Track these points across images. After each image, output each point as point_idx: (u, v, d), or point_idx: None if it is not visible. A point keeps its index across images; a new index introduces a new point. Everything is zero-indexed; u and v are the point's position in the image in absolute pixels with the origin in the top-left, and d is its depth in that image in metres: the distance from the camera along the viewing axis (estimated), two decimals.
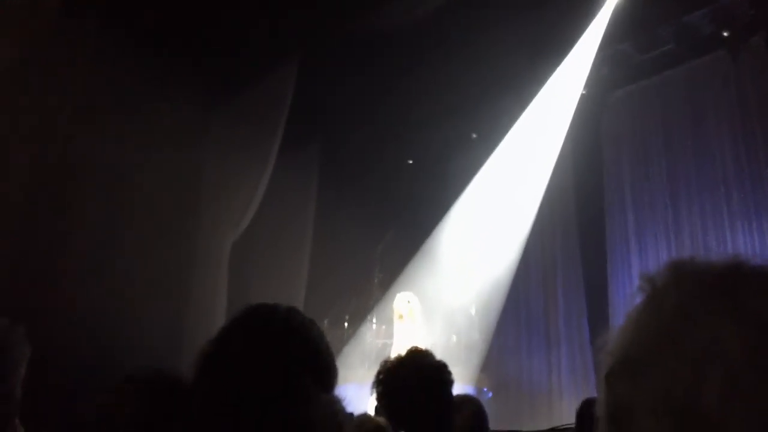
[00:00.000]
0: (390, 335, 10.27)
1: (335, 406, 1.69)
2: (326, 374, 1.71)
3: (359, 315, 12.04)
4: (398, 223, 12.98)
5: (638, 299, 0.94)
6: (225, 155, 11.23)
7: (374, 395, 3.06)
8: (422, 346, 3.49)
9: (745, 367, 0.80)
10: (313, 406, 1.59)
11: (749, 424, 0.79)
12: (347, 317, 12.12)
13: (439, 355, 3.20)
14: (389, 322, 10.36)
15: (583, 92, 12.04)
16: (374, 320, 11.54)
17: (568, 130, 12.20)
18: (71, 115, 9.18)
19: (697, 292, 0.88)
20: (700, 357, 0.83)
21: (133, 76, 9.66)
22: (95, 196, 9.44)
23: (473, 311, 12.27)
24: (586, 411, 4.48)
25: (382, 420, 3.47)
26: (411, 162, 14.29)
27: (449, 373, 3.08)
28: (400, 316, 9.59)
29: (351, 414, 3.76)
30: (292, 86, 10.81)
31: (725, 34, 10.90)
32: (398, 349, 8.73)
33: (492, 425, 4.62)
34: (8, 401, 2.68)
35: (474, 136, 13.64)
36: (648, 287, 0.94)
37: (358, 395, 8.01)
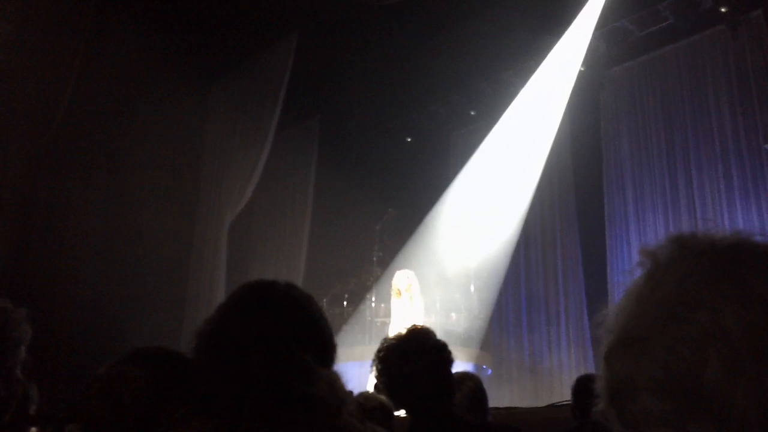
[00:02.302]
0: (389, 313, 10.30)
1: (336, 382, 1.69)
2: (326, 349, 1.71)
3: (358, 293, 12.05)
4: (397, 201, 12.97)
5: (638, 274, 0.93)
6: (223, 134, 11.23)
7: (374, 373, 3.06)
8: (420, 323, 3.50)
9: (747, 347, 0.80)
10: (314, 383, 1.59)
11: (751, 404, 0.79)
12: (346, 296, 12.13)
13: (438, 333, 3.20)
14: (388, 301, 10.38)
15: (582, 69, 12.00)
16: (373, 298, 11.55)
17: (567, 107, 12.18)
18: (69, 97, 9.17)
19: (699, 270, 0.87)
20: (701, 336, 0.82)
21: (131, 57, 9.64)
22: (95, 178, 9.45)
23: (472, 289, 12.28)
24: (580, 389, 4.50)
25: (384, 398, 3.48)
26: (410, 140, 14.27)
27: (449, 352, 3.08)
28: (398, 293, 9.62)
29: (351, 392, 3.77)
30: (290, 64, 10.78)
31: (724, 9, 10.85)
32: (396, 326, 8.77)
33: (492, 402, 4.64)
34: (7, 382, 2.67)
35: (473, 113, 13.61)
36: (649, 262, 0.93)
37: (359, 373, 8.05)
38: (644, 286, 0.91)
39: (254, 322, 1.63)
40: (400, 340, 3.04)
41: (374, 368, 3.03)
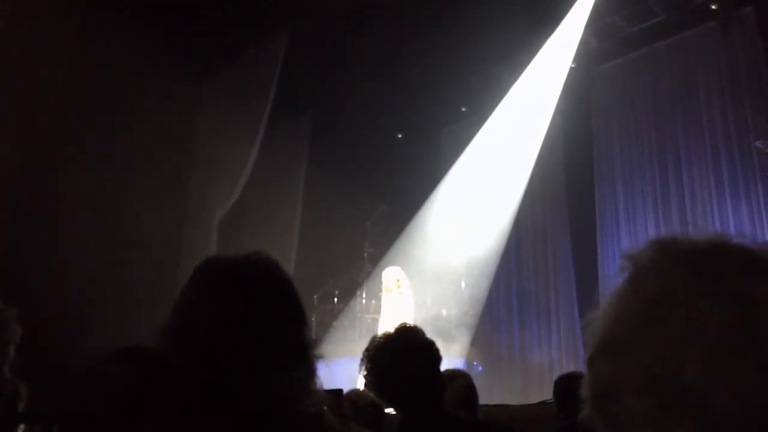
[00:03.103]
0: (379, 310, 10.31)
1: (308, 382, 1.64)
2: (295, 324, 1.63)
3: (349, 290, 12.04)
4: (388, 197, 12.97)
5: (620, 278, 0.94)
6: (214, 130, 11.20)
7: (363, 372, 3.06)
8: (410, 320, 3.50)
9: (725, 346, 0.81)
10: (289, 386, 1.55)
11: (731, 402, 0.79)
12: (337, 292, 12.11)
13: (428, 330, 3.20)
14: (379, 297, 10.38)
15: (573, 65, 12.01)
16: (364, 295, 11.54)
17: (558, 103, 12.20)
18: (60, 93, 9.13)
19: (679, 272, 0.88)
20: (681, 336, 0.83)
21: (122, 53, 9.60)
22: (85, 174, 9.41)
23: (463, 285, 12.28)
24: (560, 389, 4.50)
25: (374, 395, 3.48)
26: (400, 136, 14.26)
27: (437, 351, 3.08)
28: (388, 290, 9.63)
29: (340, 390, 3.76)
30: (281, 60, 10.76)
31: (714, 6, 10.88)
32: (386, 323, 8.77)
33: (482, 399, 4.64)
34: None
35: (463, 109, 13.61)
36: (630, 266, 0.94)
37: (349, 370, 8.05)
38: (626, 290, 0.92)
39: (217, 311, 1.57)
40: (389, 339, 3.04)
41: (363, 367, 3.03)
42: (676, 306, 0.85)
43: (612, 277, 0.97)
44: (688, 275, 0.87)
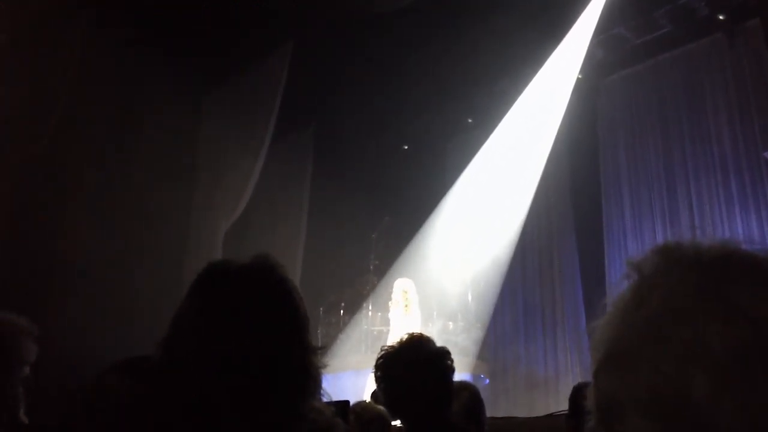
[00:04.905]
0: (386, 322, 10.29)
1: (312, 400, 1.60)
2: (292, 340, 1.58)
3: (355, 302, 12.01)
4: (394, 209, 12.94)
5: (624, 286, 0.92)
6: (218, 144, 11.20)
7: (372, 380, 3.03)
8: (417, 332, 3.46)
9: (731, 365, 0.78)
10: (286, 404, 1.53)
11: (738, 425, 0.77)
12: (343, 304, 12.08)
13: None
14: (385, 309, 10.36)
15: (579, 76, 12.00)
16: (370, 307, 11.51)
17: (564, 114, 12.17)
18: (62, 107, 9.15)
19: (684, 286, 0.85)
20: (685, 353, 0.80)
21: (125, 68, 9.63)
22: (88, 189, 9.42)
23: (470, 298, 12.25)
24: (578, 396, 4.46)
25: (381, 408, 3.46)
26: (406, 148, 14.25)
27: (450, 360, 3.04)
28: (396, 302, 9.62)
29: (347, 401, 3.75)
30: (286, 72, 10.76)
31: (721, 17, 10.87)
32: (394, 336, 8.76)
33: (489, 412, 4.62)
34: (10, 399, 2.66)
35: (470, 121, 13.60)
36: (634, 274, 0.91)
37: (355, 382, 8.05)
38: (630, 301, 0.89)
39: (211, 332, 1.53)
40: (401, 347, 3.01)
41: (374, 375, 3.00)
42: (680, 322, 0.82)
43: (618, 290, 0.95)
44: (694, 289, 0.84)
